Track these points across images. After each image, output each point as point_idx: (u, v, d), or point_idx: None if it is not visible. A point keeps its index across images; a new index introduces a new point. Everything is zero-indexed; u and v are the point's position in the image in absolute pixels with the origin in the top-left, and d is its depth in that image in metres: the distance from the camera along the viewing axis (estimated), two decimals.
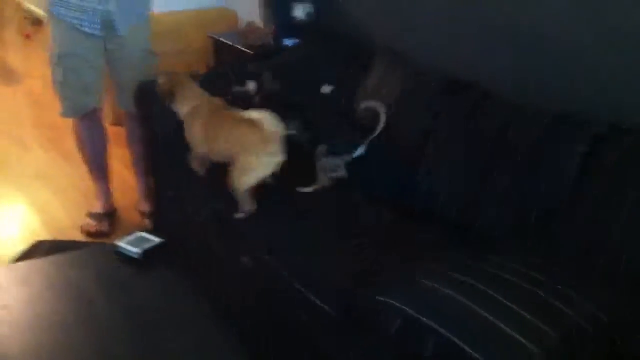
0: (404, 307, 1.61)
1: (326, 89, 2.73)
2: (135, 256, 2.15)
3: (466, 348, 1.50)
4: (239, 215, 2.36)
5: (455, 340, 1.52)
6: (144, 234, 2.26)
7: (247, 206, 2.37)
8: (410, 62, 2.66)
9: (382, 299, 1.67)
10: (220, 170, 2.43)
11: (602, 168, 1.97)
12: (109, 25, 2.79)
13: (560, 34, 2.27)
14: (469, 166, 2.27)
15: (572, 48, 2.24)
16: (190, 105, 2.59)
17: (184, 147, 2.59)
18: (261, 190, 2.40)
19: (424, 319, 1.57)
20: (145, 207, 3.22)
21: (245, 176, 2.36)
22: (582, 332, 1.56)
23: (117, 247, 2.19)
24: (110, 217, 3.22)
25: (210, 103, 2.59)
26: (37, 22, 7.32)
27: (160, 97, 2.63)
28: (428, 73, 2.55)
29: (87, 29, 2.78)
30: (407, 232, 2.20)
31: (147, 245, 2.19)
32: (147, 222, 3.16)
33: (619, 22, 2.11)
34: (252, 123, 2.34)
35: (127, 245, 2.18)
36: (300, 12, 3.30)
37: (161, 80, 2.66)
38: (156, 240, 2.22)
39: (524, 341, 1.48)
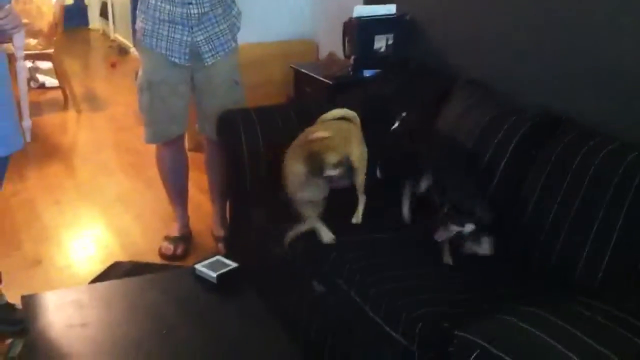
0: (481, 341, 1.55)
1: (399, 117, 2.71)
2: (213, 280, 2.16)
3: None
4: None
5: None
6: (221, 258, 2.28)
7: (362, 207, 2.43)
8: (496, 93, 2.61)
9: (461, 333, 1.62)
10: None
11: None
12: (196, 56, 2.85)
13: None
14: (566, 206, 2.14)
15: None
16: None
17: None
18: None
19: (502, 354, 1.51)
20: (220, 232, 3.25)
21: (365, 165, 2.46)
22: None
23: (195, 270, 2.22)
24: (185, 240, 3.26)
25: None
26: (122, 51, 7.65)
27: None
28: (516, 105, 2.48)
29: (175, 59, 2.85)
30: (497, 272, 2.15)
31: (223, 269, 2.20)
32: (220, 247, 3.18)
33: None
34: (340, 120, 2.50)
35: (205, 268, 2.20)
36: (381, 43, 3.30)
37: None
38: (232, 264, 2.23)
39: None
